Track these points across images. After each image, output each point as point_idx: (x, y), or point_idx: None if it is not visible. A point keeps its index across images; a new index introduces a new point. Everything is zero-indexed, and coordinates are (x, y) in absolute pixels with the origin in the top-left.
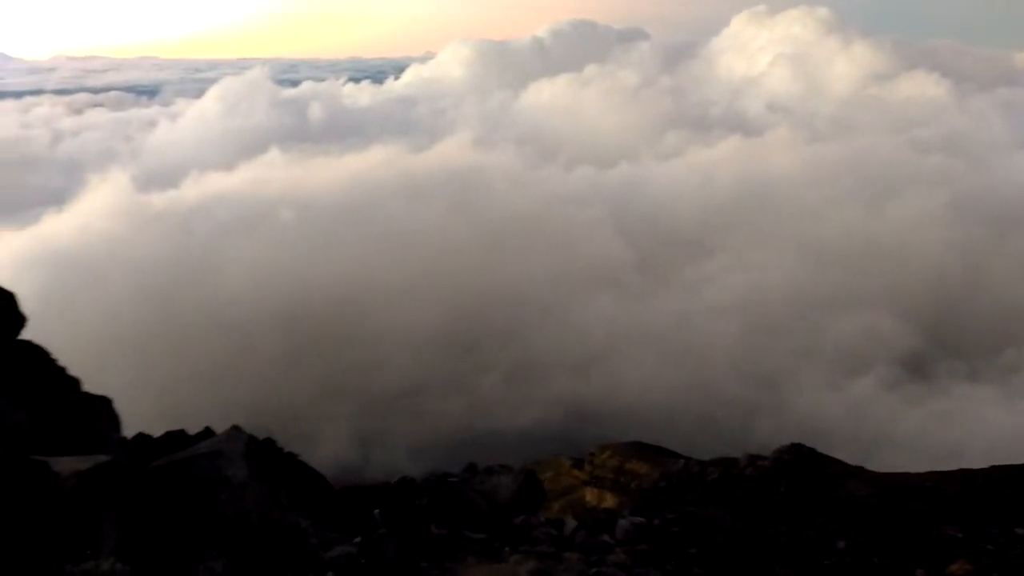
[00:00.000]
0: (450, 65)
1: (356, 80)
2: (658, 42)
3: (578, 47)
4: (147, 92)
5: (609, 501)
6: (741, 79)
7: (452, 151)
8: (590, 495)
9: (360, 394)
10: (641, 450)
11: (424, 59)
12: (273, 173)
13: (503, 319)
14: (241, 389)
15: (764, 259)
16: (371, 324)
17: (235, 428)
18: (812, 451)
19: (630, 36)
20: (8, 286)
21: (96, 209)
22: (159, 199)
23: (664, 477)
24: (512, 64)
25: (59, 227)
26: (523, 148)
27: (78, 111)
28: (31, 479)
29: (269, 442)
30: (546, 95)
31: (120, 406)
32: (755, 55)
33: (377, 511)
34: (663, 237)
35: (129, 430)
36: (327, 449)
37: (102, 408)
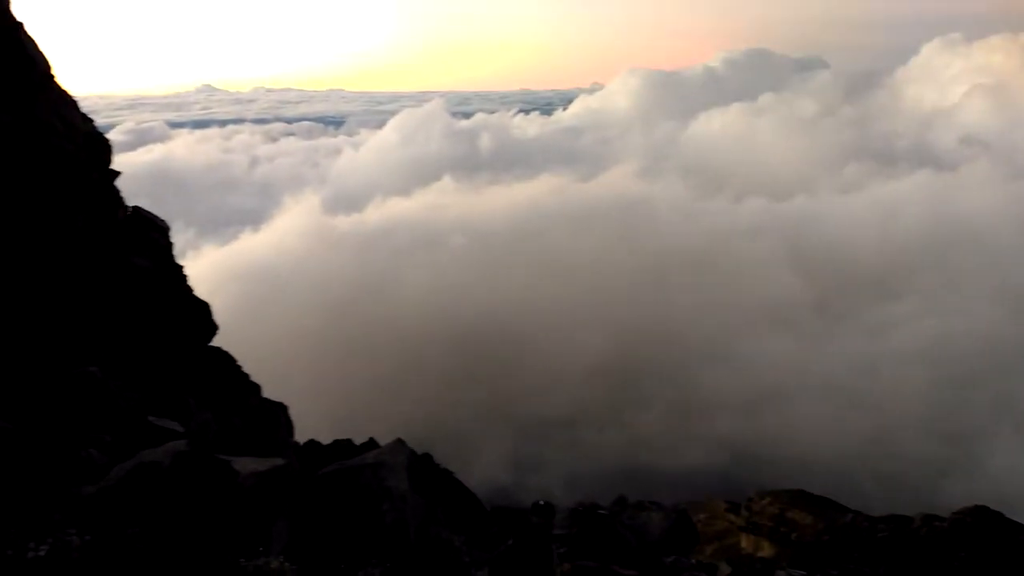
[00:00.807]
0: (618, 95)
1: (526, 111)
2: (839, 71)
3: (752, 76)
4: (334, 123)
5: (766, 550)
6: (931, 110)
7: (618, 181)
8: (746, 542)
9: (519, 419)
10: (804, 499)
11: (592, 90)
12: (446, 200)
13: (667, 354)
14: (406, 404)
15: (957, 304)
16: (534, 351)
17: (398, 441)
18: (999, 516)
19: (809, 65)
20: (207, 297)
21: (288, 229)
22: (343, 222)
23: (828, 530)
24: (682, 94)
25: (255, 244)
26: (690, 179)
27: (274, 139)
28: (215, 476)
29: (427, 457)
30: (716, 125)
31: (295, 413)
32: (948, 85)
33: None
34: (842, 275)
35: (301, 436)
36: (483, 470)
37: (279, 414)
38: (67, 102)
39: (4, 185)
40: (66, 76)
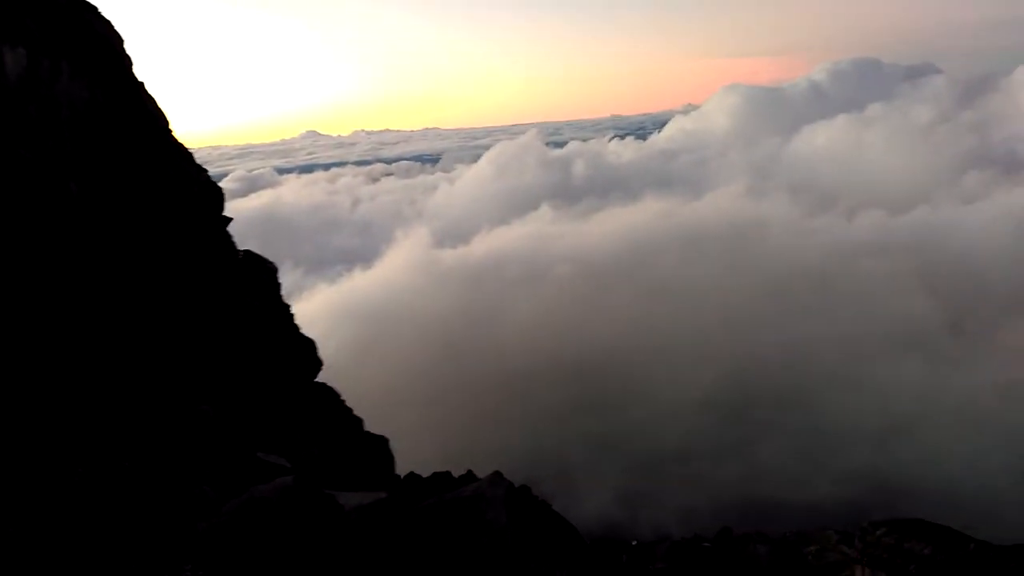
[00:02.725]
0: (716, 114)
1: (620, 136)
2: (953, 76)
3: (859, 87)
4: (431, 160)
5: None
6: None
7: (723, 201)
8: (861, 574)
9: (630, 452)
10: (923, 529)
11: (686, 111)
12: (547, 229)
13: (788, 382)
14: (513, 438)
15: None
16: (645, 382)
17: (497, 474)
18: None
19: (920, 72)
20: (318, 335)
21: (396, 265)
22: (448, 255)
23: (950, 562)
24: (783, 109)
25: (366, 281)
26: (798, 196)
27: (375, 180)
28: (321, 510)
29: (526, 490)
30: (821, 139)
31: (403, 447)
32: None
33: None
34: (975, 292)
35: (408, 469)
36: (592, 504)
37: (381, 447)
38: (183, 155)
39: (129, 234)
40: (181, 129)
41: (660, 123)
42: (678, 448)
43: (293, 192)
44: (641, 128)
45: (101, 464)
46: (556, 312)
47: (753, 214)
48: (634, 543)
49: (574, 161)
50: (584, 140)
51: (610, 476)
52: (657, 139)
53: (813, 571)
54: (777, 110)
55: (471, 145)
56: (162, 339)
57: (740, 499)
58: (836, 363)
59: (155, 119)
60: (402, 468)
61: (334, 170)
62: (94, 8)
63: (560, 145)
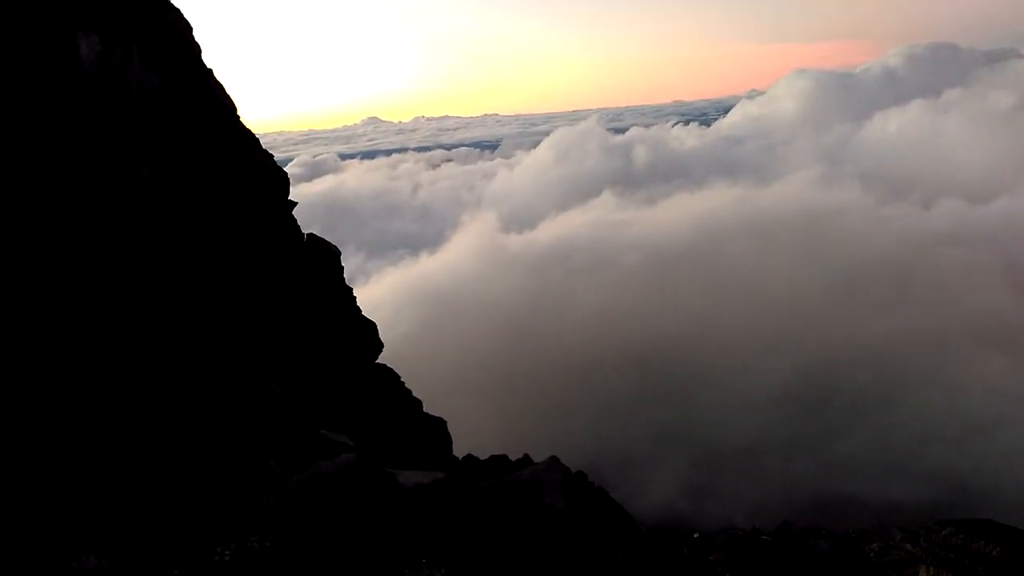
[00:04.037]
0: (784, 99)
1: (684, 123)
2: None
3: (935, 72)
4: (490, 146)
5: None
6: None
7: (793, 189)
8: (925, 574)
9: (697, 444)
10: (991, 529)
11: (751, 96)
12: (613, 216)
13: (862, 378)
14: (576, 426)
15: None
16: (713, 373)
17: (553, 458)
18: None
19: (1000, 56)
20: (384, 318)
21: (460, 250)
22: (514, 241)
23: (1021, 564)
24: (854, 94)
25: (431, 265)
26: (871, 184)
27: (435, 166)
28: (382, 488)
29: (582, 476)
30: (894, 125)
31: (465, 430)
32: None
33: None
34: None
35: (461, 451)
36: (656, 495)
37: (438, 428)
38: (250, 140)
39: (200, 219)
40: (247, 115)
41: (724, 109)
42: (748, 442)
43: (355, 177)
44: (704, 114)
45: (175, 438)
46: (621, 300)
47: (825, 202)
48: (696, 535)
49: (635, 147)
50: (646, 126)
51: (676, 467)
52: (721, 125)
53: (875, 568)
54: (848, 95)
55: (530, 131)
56: (232, 319)
57: (812, 495)
58: (914, 358)
59: (223, 105)
60: (460, 451)
61: (395, 156)
62: None
63: (621, 131)
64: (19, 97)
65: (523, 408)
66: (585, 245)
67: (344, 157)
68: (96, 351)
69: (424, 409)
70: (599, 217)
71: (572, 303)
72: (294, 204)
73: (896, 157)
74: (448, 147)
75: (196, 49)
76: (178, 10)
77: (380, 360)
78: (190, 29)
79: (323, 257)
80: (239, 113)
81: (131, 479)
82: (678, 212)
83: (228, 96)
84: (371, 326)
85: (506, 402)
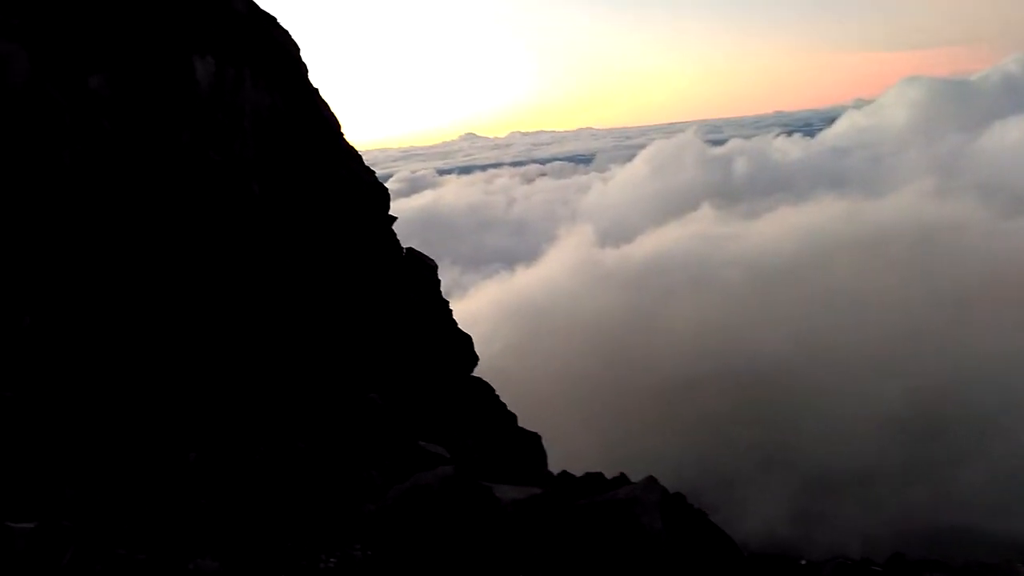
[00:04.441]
0: (894, 108)
1: (787, 133)
2: None
3: None
4: (585, 160)
5: None
6: None
7: (906, 202)
8: None
9: (804, 469)
10: None
11: (858, 106)
12: (713, 229)
13: (981, 403)
14: (675, 446)
15: None
16: (820, 395)
17: (651, 478)
18: None
19: None
20: (481, 332)
21: (557, 264)
22: (611, 255)
23: None
24: (970, 102)
25: (528, 279)
26: (990, 196)
27: (529, 180)
28: (479, 501)
29: (680, 497)
30: (1014, 134)
31: (561, 446)
32: None
33: None
34: None
35: (555, 467)
36: (759, 519)
37: (533, 443)
38: (353, 157)
39: (306, 234)
40: (350, 132)
41: (828, 119)
42: (859, 468)
43: (452, 192)
44: (808, 124)
45: (282, 445)
46: (722, 317)
47: (939, 215)
48: (803, 562)
49: (735, 159)
50: (746, 138)
51: (780, 491)
52: (826, 135)
53: None
54: (964, 104)
55: (625, 145)
56: (336, 329)
57: (927, 526)
58: None
59: (328, 124)
60: (554, 467)
61: (491, 171)
62: (273, 19)
63: (720, 143)
64: (141, 117)
65: (619, 425)
66: (684, 260)
67: (441, 172)
68: (211, 358)
69: (519, 423)
70: (698, 231)
71: (670, 319)
72: (394, 219)
73: (1017, 168)
74: (542, 161)
75: (303, 69)
76: (287, 32)
77: (475, 373)
78: (297, 50)
79: (420, 270)
80: (343, 131)
81: (240, 485)
82: (782, 226)
83: (333, 114)
84: (466, 339)
85: (602, 419)
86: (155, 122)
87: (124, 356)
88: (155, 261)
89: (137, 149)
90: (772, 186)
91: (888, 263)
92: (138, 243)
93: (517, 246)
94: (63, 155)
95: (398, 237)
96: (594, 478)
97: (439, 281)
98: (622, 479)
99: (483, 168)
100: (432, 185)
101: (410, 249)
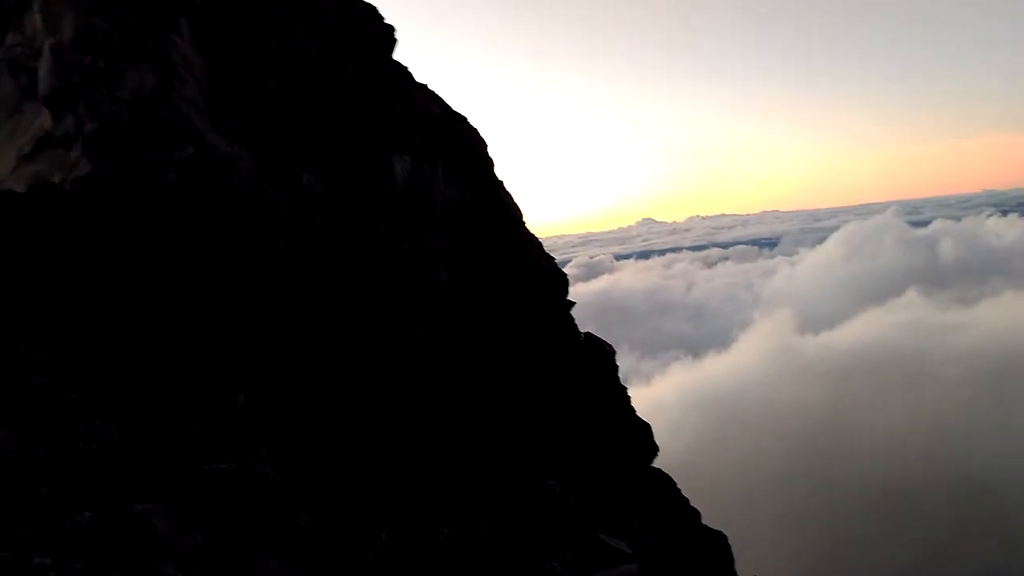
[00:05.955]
0: None
1: (1002, 213)
2: None
3: None
4: (769, 244)
5: None
6: None
7: None
8: None
9: None
10: None
11: None
12: (926, 318)
13: None
14: (879, 560)
15: None
16: None
17: None
18: None
19: None
20: (665, 421)
21: (750, 351)
22: (810, 344)
23: None
24: None
25: (717, 366)
26: None
27: (710, 265)
28: None
29: None
30: None
31: (739, 546)
32: None
33: None
34: None
35: (744, 571)
36: None
37: (718, 543)
38: (534, 244)
39: (490, 318)
40: (531, 219)
41: None
42: None
43: (629, 277)
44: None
45: (464, 530)
46: (940, 417)
47: None
48: None
49: (941, 240)
50: (953, 218)
51: None
52: None
53: None
54: None
55: (813, 227)
56: (515, 414)
57: None
58: None
59: (511, 213)
60: (742, 571)
61: (669, 255)
62: (463, 118)
63: (922, 224)
64: (345, 211)
65: (818, 534)
66: (896, 351)
67: (619, 258)
68: (401, 442)
69: (703, 520)
70: (908, 319)
71: (879, 417)
72: (572, 304)
73: None
74: (724, 245)
75: (489, 163)
76: (476, 130)
77: (658, 465)
78: (485, 146)
79: (598, 355)
80: (524, 219)
81: (424, 567)
82: (1009, 314)
83: (516, 204)
84: (646, 428)
85: (798, 525)
86: (357, 215)
87: (322, 434)
88: (353, 343)
89: (341, 240)
90: (986, 271)
91: None
92: (339, 325)
93: (697, 332)
94: (278, 246)
95: (576, 322)
96: None
97: (617, 367)
98: None
99: (661, 252)
100: (609, 270)
101: (588, 334)
